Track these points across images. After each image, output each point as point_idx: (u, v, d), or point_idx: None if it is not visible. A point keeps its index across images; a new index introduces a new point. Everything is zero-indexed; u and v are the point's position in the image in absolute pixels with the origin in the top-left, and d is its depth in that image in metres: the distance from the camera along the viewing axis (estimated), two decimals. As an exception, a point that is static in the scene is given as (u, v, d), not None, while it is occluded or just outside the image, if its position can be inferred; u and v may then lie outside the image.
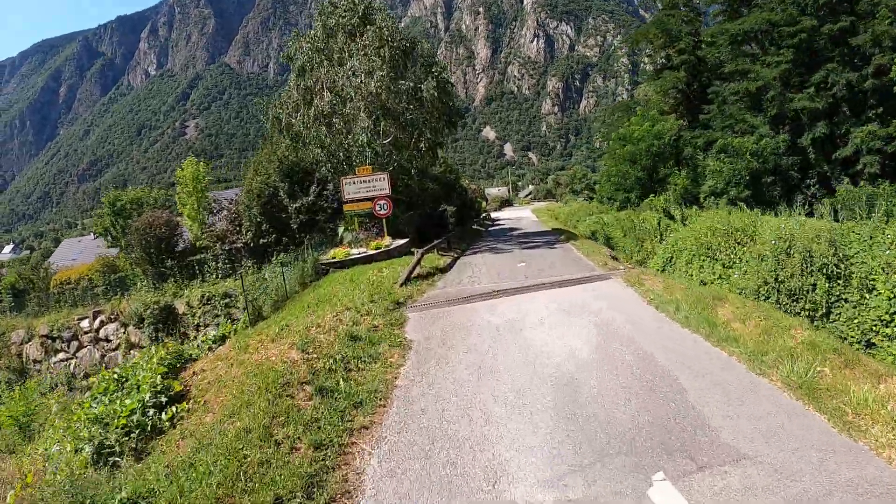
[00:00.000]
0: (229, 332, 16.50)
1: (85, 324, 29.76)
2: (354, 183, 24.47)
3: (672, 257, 19.75)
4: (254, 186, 26.64)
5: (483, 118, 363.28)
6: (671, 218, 26.85)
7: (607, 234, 33.35)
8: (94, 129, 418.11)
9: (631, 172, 46.40)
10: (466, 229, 37.54)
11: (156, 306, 25.19)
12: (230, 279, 26.06)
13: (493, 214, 72.77)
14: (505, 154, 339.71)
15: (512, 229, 43.99)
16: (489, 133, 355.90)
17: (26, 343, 30.94)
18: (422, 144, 28.66)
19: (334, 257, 22.31)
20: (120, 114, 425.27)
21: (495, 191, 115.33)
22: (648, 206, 35.89)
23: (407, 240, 24.87)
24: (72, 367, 30.38)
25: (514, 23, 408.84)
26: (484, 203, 69.97)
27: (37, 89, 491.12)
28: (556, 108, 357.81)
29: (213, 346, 16.11)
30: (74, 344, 29.86)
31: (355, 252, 22.42)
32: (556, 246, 26.00)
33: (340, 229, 25.05)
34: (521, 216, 68.12)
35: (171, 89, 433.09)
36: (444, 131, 31.19)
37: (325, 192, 26.37)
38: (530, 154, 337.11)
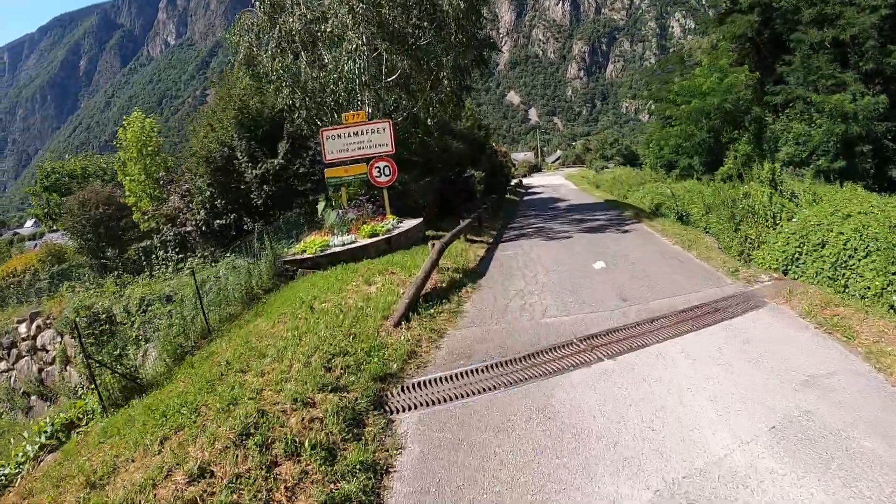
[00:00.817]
0: (79, 417, 8.85)
1: (23, 328, 23.87)
2: (340, 137, 16.47)
3: (799, 253, 11.55)
4: (202, 146, 18.71)
5: (507, 82, 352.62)
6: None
7: (680, 209, 25.33)
8: (114, 100, 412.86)
9: (696, 133, 38.82)
10: (499, 200, 29.23)
11: (87, 312, 17.55)
12: (182, 273, 18.58)
13: (525, 181, 64.30)
14: (530, 119, 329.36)
15: (554, 200, 36.51)
16: (514, 97, 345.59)
17: (-37, 347, 25.37)
18: (442, 86, 20.32)
19: (304, 251, 14.43)
20: (140, 84, 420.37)
21: (521, 156, 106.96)
22: (725, 174, 29.11)
23: (419, 220, 16.88)
24: (12, 380, 24.54)
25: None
26: (513, 168, 61.47)
27: (56, 63, 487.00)
28: (581, 73, 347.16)
29: (57, 435, 8.81)
30: (14, 352, 24.37)
31: (337, 242, 14.52)
32: (627, 228, 18.85)
33: (320, 206, 17.08)
34: (555, 183, 60.84)
35: (191, 58, 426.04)
36: (472, 69, 22.78)
37: (302, 154, 18.32)
38: (555, 119, 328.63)
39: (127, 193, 23.35)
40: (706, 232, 17.03)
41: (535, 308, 9.63)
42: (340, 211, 16.23)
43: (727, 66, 39.42)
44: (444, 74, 20.29)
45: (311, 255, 14.14)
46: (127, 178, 23.67)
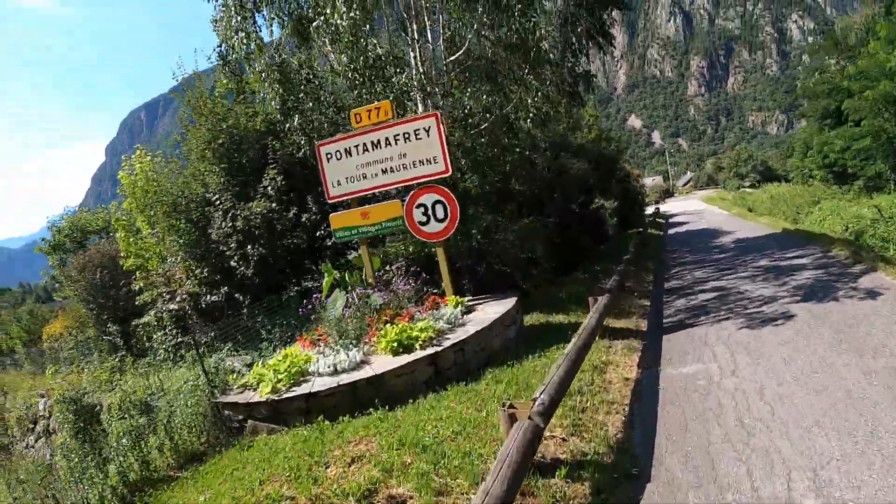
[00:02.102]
0: None
1: (41, 404, 19.88)
2: (348, 154, 8.97)
3: None
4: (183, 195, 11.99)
5: (627, 106, 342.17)
6: None
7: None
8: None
9: (888, 128, 29.83)
10: (640, 239, 20.20)
11: (73, 406, 11.03)
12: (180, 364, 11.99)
13: (661, 208, 54.43)
14: (654, 142, 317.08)
15: (709, 232, 27.45)
16: (635, 121, 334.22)
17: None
18: (545, 73, 12.17)
19: (258, 382, 7.25)
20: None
21: (650, 181, 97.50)
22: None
23: (510, 302, 8.76)
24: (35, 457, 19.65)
25: (647, 3, 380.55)
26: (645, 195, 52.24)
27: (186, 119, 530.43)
28: (702, 89, 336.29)
29: None
30: (38, 428, 20.30)
31: (324, 366, 7.18)
32: (865, 283, 10.69)
33: (325, 282, 9.19)
34: (697, 208, 50.88)
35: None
36: (587, 44, 14.54)
37: (310, 192, 10.88)
38: (680, 140, 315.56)
39: (122, 254, 17.08)
40: None
41: None
42: (356, 294, 8.43)
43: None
44: (546, 50, 12.28)
45: (269, 395, 6.98)
46: (123, 232, 17.47)
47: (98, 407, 9.10)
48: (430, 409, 6.23)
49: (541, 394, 4.72)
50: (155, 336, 14.01)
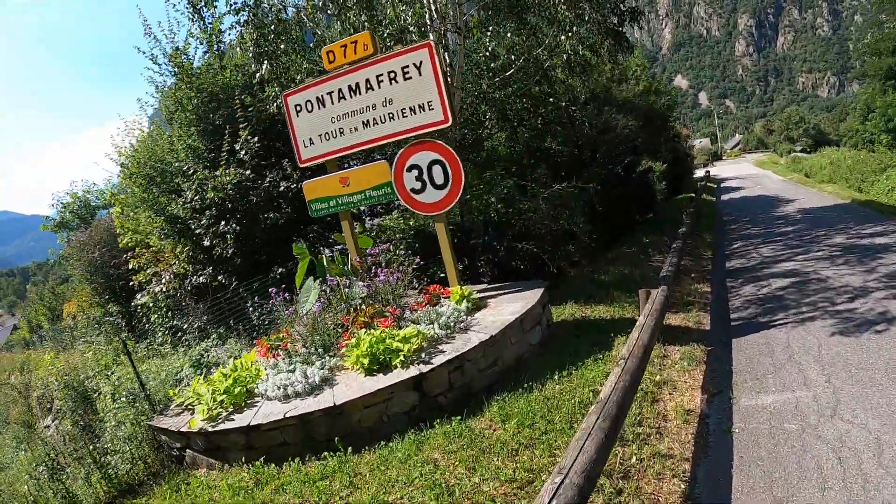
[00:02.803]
0: None
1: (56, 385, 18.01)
2: (321, 102, 6.96)
3: None
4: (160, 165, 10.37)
5: (673, 66, 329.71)
6: None
7: None
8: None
9: None
10: (695, 208, 17.55)
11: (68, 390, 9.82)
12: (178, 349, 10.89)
13: (711, 171, 51.09)
14: (700, 103, 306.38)
15: (767, 201, 24.58)
16: (681, 82, 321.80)
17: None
18: (584, 12, 9.83)
19: (193, 402, 5.75)
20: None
21: (697, 143, 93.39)
22: None
23: (535, 295, 6.71)
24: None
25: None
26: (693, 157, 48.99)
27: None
28: (750, 49, 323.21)
29: None
30: (55, 407, 19.59)
31: (273, 387, 5.43)
32: None
33: (300, 265, 7.26)
34: (750, 173, 47.22)
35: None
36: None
37: (272, 146, 9.06)
38: (727, 101, 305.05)
39: (118, 231, 15.64)
40: None
41: None
42: (332, 284, 6.50)
43: None
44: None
45: (203, 425, 5.36)
46: (119, 207, 15.98)
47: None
48: (404, 461, 4.37)
49: (560, 483, 2.73)
50: (153, 318, 12.69)
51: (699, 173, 41.98)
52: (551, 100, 11.84)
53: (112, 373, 10.39)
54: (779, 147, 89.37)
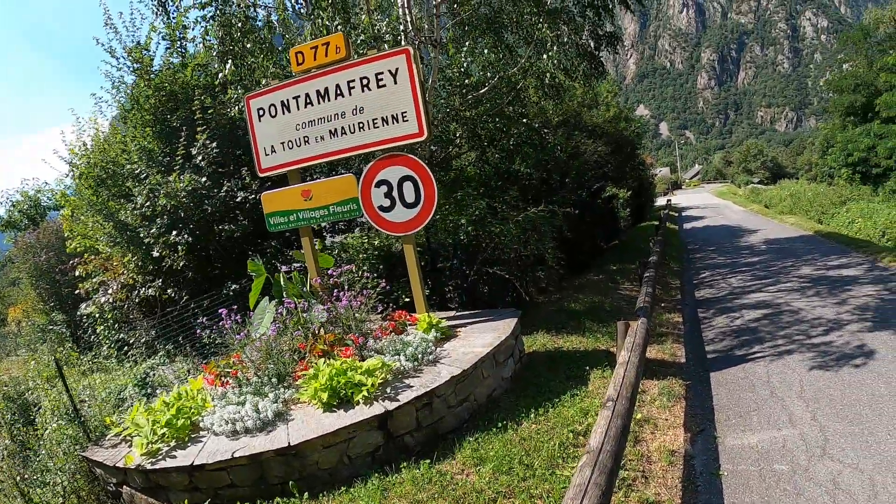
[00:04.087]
0: None
1: None
2: (285, 107, 6.46)
3: None
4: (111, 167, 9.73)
5: (636, 96, 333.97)
6: None
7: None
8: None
9: None
10: (661, 236, 17.40)
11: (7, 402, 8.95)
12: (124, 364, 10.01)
13: (672, 200, 52.00)
14: (661, 133, 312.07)
15: (730, 230, 24.90)
16: (643, 111, 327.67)
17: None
18: (562, 30, 9.60)
19: (131, 433, 5.23)
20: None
21: (657, 172, 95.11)
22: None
23: (507, 326, 6.28)
24: None
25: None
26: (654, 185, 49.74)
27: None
28: (712, 82, 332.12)
29: None
30: None
31: (219, 422, 4.95)
32: None
33: (255, 283, 6.69)
34: (710, 202, 48.45)
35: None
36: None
37: (232, 153, 8.56)
38: (687, 132, 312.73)
39: (67, 235, 14.83)
40: None
41: None
42: (289, 306, 5.95)
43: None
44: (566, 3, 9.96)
45: (142, 461, 4.71)
46: (69, 210, 15.21)
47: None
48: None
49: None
50: (99, 329, 12.05)
51: (660, 201, 42.52)
52: (524, 120, 11.55)
53: (53, 386, 9.70)
54: (737, 178, 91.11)
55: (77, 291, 13.35)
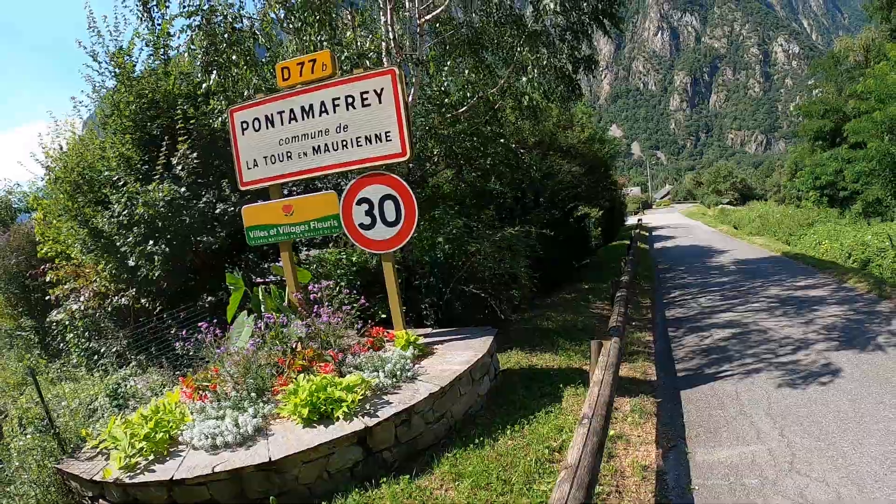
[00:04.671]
0: None
1: None
2: (269, 122, 6.53)
3: None
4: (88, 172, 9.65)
5: (609, 116, 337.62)
6: None
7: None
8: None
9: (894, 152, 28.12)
10: (632, 255, 17.64)
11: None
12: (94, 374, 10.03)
13: (643, 220, 52.66)
14: (633, 153, 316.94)
15: (700, 251, 25.31)
16: (616, 131, 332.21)
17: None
18: (541, 53, 9.81)
19: (109, 446, 5.12)
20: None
21: (629, 192, 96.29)
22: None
23: (484, 344, 6.36)
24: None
25: (636, 16, 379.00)
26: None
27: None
28: (684, 104, 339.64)
29: None
30: None
31: (200, 436, 4.87)
32: None
33: (233, 297, 6.70)
34: (680, 223, 48.61)
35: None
36: (594, 26, 12.08)
37: (212, 164, 8.59)
38: (659, 153, 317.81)
39: (38, 239, 14.56)
40: None
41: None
42: (268, 321, 5.98)
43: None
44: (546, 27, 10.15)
45: (119, 475, 4.66)
46: (41, 213, 14.93)
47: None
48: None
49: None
50: (68, 337, 11.86)
51: (631, 221, 43.04)
52: (501, 140, 11.71)
53: (22, 393, 9.51)
54: (707, 199, 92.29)
55: (48, 297, 13.09)
